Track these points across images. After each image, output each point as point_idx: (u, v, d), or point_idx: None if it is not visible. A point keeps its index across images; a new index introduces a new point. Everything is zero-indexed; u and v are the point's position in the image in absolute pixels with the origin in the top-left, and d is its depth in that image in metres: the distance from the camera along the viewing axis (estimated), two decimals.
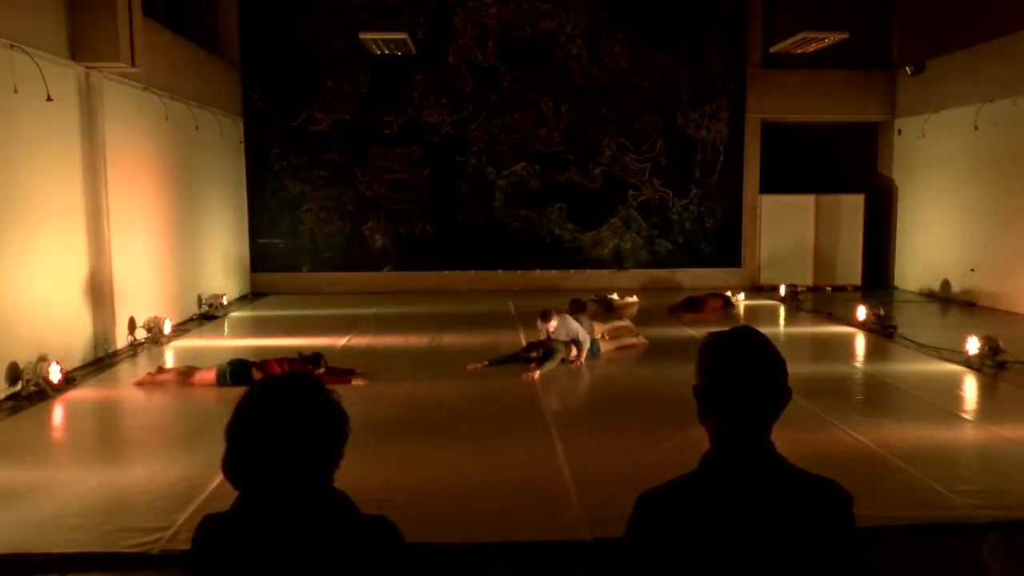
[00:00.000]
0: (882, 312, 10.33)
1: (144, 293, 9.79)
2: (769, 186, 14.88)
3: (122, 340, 9.09)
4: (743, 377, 1.67)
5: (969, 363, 7.94)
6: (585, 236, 14.74)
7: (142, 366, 8.24)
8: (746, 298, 13.18)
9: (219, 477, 4.63)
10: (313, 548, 1.58)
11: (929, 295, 13.52)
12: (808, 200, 14.75)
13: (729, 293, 12.60)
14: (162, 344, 9.37)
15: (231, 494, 1.66)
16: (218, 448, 1.68)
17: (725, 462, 1.67)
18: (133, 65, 8.58)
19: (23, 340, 7.20)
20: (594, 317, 9.89)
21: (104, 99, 8.73)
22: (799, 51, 12.33)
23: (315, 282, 14.31)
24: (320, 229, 14.41)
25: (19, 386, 6.94)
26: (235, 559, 1.61)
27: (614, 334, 9.43)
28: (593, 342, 8.65)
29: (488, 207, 14.55)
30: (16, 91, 7.13)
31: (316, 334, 9.84)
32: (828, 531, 1.65)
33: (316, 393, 1.69)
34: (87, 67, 8.42)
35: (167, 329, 9.75)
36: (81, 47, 8.21)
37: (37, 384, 6.95)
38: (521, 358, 8.05)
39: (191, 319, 11.29)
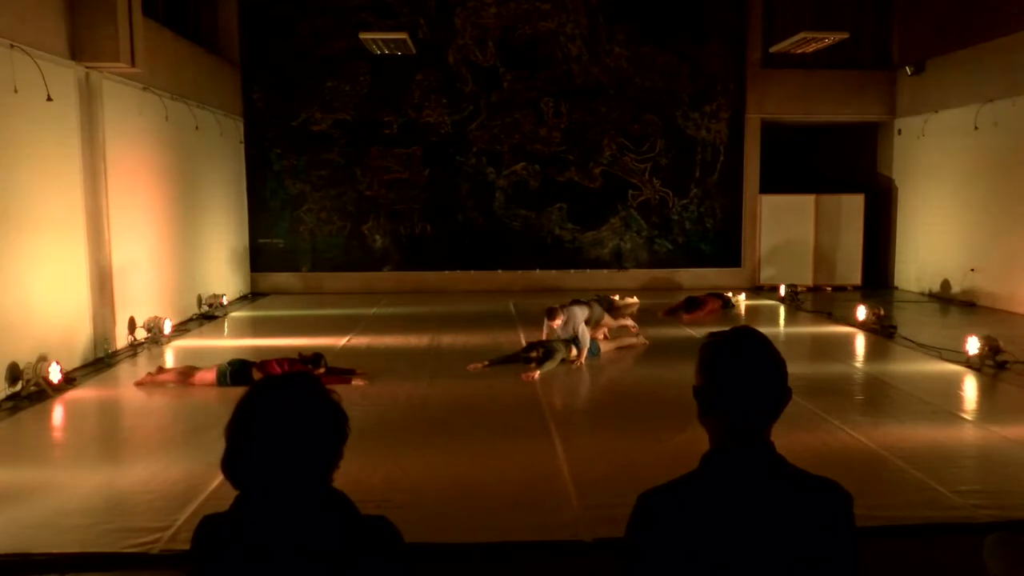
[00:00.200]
0: (882, 312, 10.33)
1: (144, 293, 9.79)
2: (769, 186, 14.88)
3: (122, 340, 9.09)
4: (743, 377, 1.67)
5: (969, 363, 7.94)
6: (585, 236, 14.74)
7: (142, 366, 8.24)
8: (746, 298, 13.18)
9: (219, 477, 4.62)
10: (313, 548, 1.58)
11: (929, 295, 13.52)
12: (808, 200, 14.75)
13: (729, 294, 12.60)
14: (162, 344, 9.38)
15: (231, 494, 1.66)
16: (218, 448, 1.68)
17: (725, 462, 1.67)
18: (133, 65, 8.58)
19: (23, 340, 7.20)
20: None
21: (104, 99, 8.73)
22: (799, 51, 12.33)
23: (315, 282, 14.32)
24: (320, 229, 14.41)
25: (19, 386, 6.94)
26: (235, 559, 1.61)
27: (616, 333, 9.44)
28: (593, 342, 8.66)
29: (488, 207, 14.55)
30: (16, 91, 7.13)
31: (316, 334, 9.84)
32: (828, 531, 1.64)
33: (316, 393, 1.69)
34: (87, 67, 8.42)
35: (167, 329, 9.75)
36: (81, 47, 8.21)
37: (37, 384, 6.95)
38: (521, 358, 8.05)
39: (191, 319, 11.29)
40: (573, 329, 8.41)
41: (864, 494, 3.20)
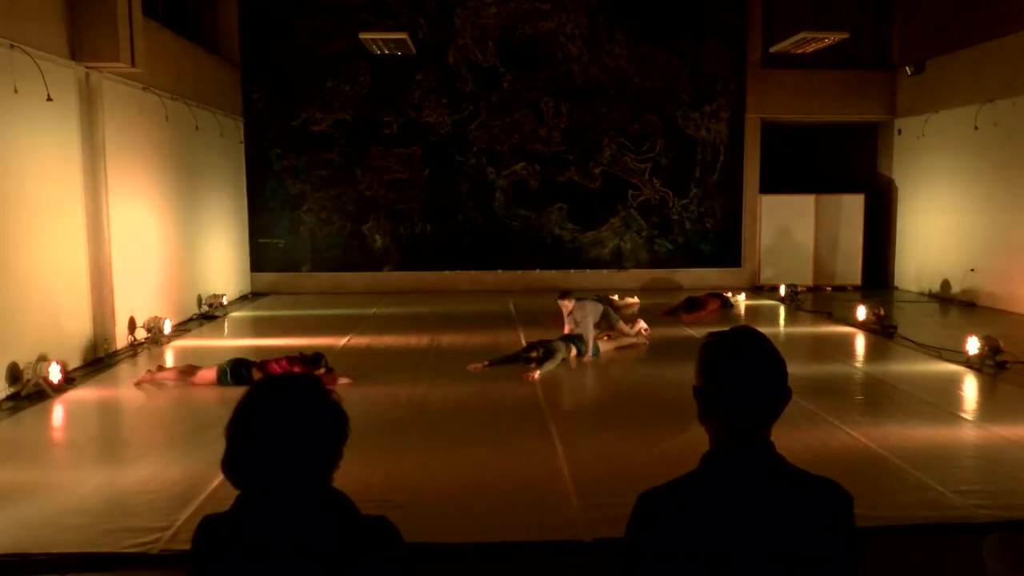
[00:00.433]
0: (882, 312, 10.33)
1: (144, 293, 9.79)
2: (769, 186, 14.88)
3: (122, 340, 9.09)
4: (743, 377, 1.67)
5: (969, 363, 7.94)
6: (585, 236, 14.74)
7: (142, 366, 8.23)
8: (746, 298, 13.18)
9: (219, 477, 4.61)
10: (313, 548, 1.58)
11: (929, 295, 13.52)
12: (808, 200, 14.75)
13: (729, 294, 12.60)
14: (162, 344, 9.37)
15: (231, 494, 1.66)
16: (218, 448, 1.68)
17: (725, 462, 1.67)
18: (133, 65, 8.58)
19: (23, 340, 7.20)
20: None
21: (104, 99, 8.73)
22: (799, 51, 12.33)
23: (315, 282, 14.32)
24: (320, 229, 14.41)
25: (19, 386, 6.94)
26: (235, 559, 1.61)
27: (616, 333, 9.44)
28: (593, 342, 8.66)
29: (488, 207, 14.55)
30: (16, 91, 7.13)
31: (316, 334, 9.84)
32: (828, 531, 1.65)
33: (317, 393, 1.69)
34: (87, 67, 8.42)
35: (167, 329, 9.75)
36: (81, 47, 8.21)
37: (37, 384, 6.94)
38: (521, 358, 8.05)
39: (191, 319, 11.29)
40: (580, 320, 8.51)
41: (864, 494, 3.20)
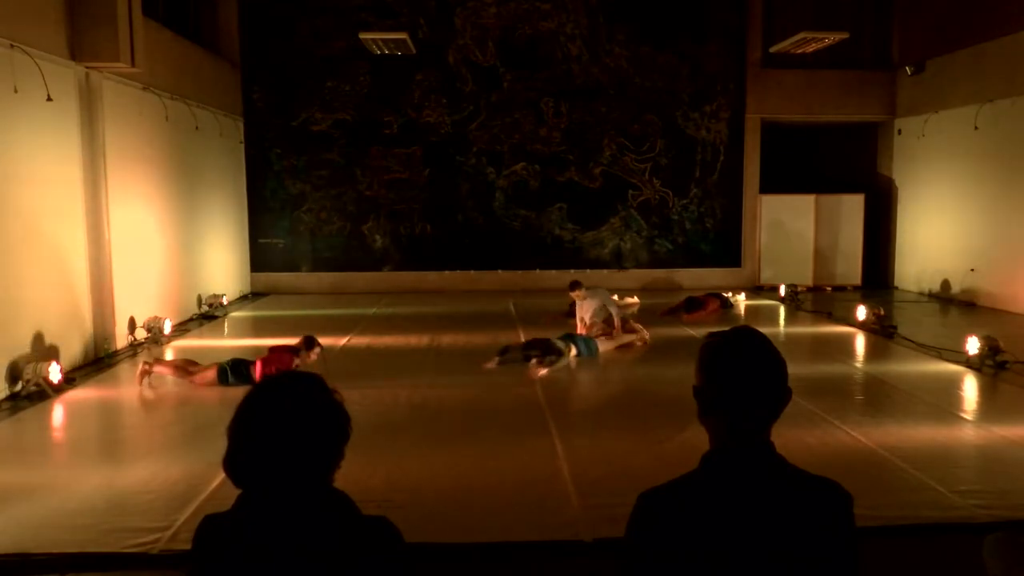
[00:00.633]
0: (882, 312, 10.33)
1: (144, 293, 9.79)
2: (769, 186, 14.88)
3: (122, 340, 9.09)
4: (743, 377, 1.67)
5: (969, 363, 7.94)
6: (585, 236, 14.74)
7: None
8: (746, 298, 13.18)
9: (219, 477, 4.63)
10: (314, 548, 1.58)
11: (929, 295, 13.52)
12: (808, 200, 14.75)
13: (729, 294, 12.60)
14: (162, 344, 9.38)
15: (231, 494, 1.66)
16: (218, 448, 1.68)
17: (725, 462, 1.67)
18: (133, 65, 8.58)
19: (23, 340, 7.21)
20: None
21: (104, 99, 8.73)
22: (799, 51, 12.33)
23: (315, 282, 14.32)
24: (320, 229, 14.41)
25: (19, 386, 6.94)
26: (235, 559, 1.61)
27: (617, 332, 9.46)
28: (592, 342, 8.67)
29: (488, 207, 14.55)
30: (16, 91, 7.13)
31: (316, 334, 9.80)
32: (828, 531, 1.65)
33: (319, 393, 1.69)
34: (87, 67, 8.42)
35: (167, 329, 9.75)
36: (81, 47, 8.21)
37: (37, 384, 6.94)
38: (521, 355, 8.04)
39: (191, 319, 11.29)
40: (592, 304, 9.26)
41: (864, 494, 3.19)
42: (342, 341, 9.56)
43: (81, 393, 7.25)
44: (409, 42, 11.67)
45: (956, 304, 12.48)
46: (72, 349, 8.08)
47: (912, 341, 9.26)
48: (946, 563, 3.90)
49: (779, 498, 1.63)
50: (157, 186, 10.43)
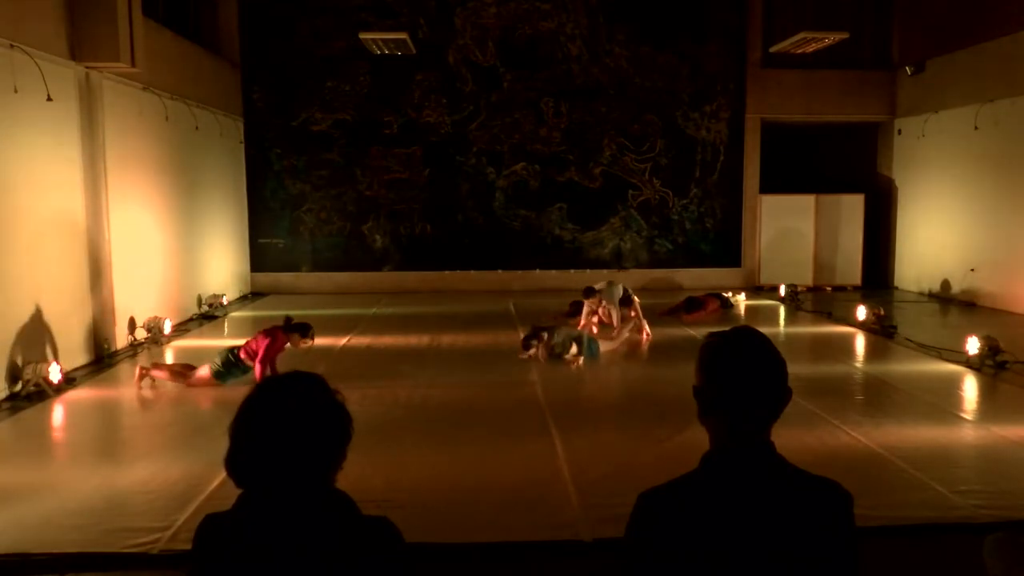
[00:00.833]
0: (882, 312, 10.33)
1: (144, 293, 9.79)
2: (769, 186, 14.88)
3: (122, 340, 9.09)
4: (743, 377, 1.67)
5: (969, 363, 7.94)
6: (585, 236, 14.74)
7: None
8: (746, 298, 13.18)
9: (219, 477, 4.63)
10: (314, 548, 1.58)
11: (929, 295, 13.52)
12: (808, 200, 14.75)
13: (729, 294, 12.59)
14: (162, 344, 9.38)
15: (231, 494, 1.66)
16: (218, 448, 1.68)
17: (725, 462, 1.67)
18: (133, 65, 8.58)
19: (23, 340, 7.20)
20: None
21: (104, 99, 8.73)
22: (799, 51, 12.33)
23: (315, 282, 14.32)
24: (320, 229, 14.41)
25: (19, 386, 6.94)
26: (236, 559, 1.61)
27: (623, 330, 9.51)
28: (592, 342, 8.67)
29: (488, 207, 14.55)
30: (16, 91, 7.13)
31: (316, 334, 9.80)
32: (828, 531, 1.64)
33: (321, 393, 1.69)
34: (87, 67, 8.42)
35: (167, 329, 9.75)
36: (81, 47, 8.21)
37: (37, 384, 6.94)
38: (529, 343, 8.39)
39: (191, 319, 11.29)
40: (610, 298, 9.50)
41: (864, 494, 3.19)
42: (342, 341, 9.55)
43: (81, 393, 7.25)
44: (409, 42, 11.67)
45: (956, 304, 12.48)
46: (72, 349, 8.07)
47: (912, 341, 9.26)
48: (946, 563, 3.90)
49: (779, 498, 1.63)
50: (157, 186, 10.43)
